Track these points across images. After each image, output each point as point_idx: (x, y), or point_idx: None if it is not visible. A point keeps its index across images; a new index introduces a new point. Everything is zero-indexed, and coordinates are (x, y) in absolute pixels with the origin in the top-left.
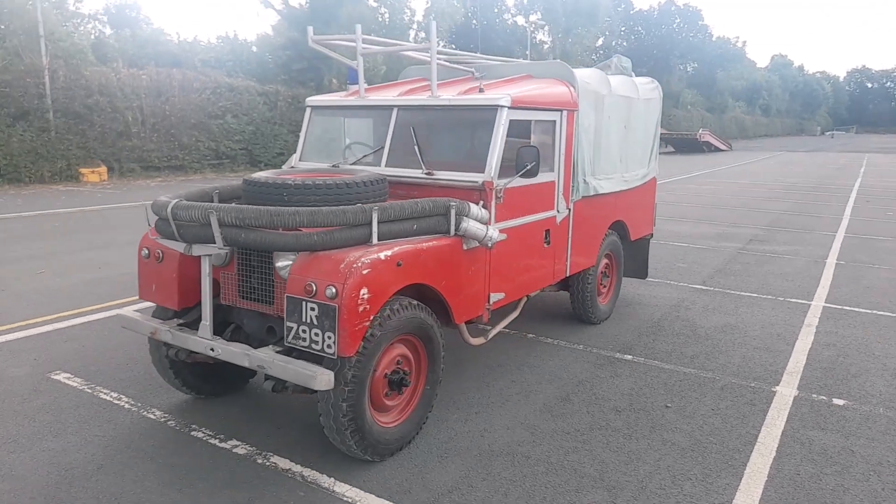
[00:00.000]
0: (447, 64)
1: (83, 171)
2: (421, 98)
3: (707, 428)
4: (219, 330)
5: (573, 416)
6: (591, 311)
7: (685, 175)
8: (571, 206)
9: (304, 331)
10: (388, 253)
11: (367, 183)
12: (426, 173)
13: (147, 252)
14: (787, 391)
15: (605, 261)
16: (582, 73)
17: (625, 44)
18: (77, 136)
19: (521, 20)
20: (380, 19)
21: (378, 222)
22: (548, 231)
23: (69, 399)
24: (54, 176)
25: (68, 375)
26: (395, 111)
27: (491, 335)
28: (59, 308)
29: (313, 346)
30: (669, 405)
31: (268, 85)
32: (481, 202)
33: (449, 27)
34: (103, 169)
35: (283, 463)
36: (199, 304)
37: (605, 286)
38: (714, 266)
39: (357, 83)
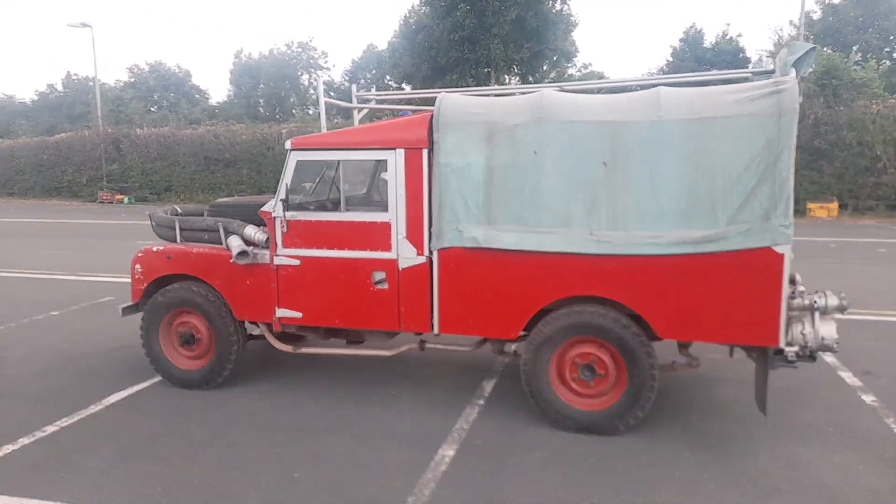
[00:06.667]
0: (341, 103)
1: (812, 206)
2: None
3: None
4: None
5: (236, 435)
6: (540, 405)
7: None
8: (433, 254)
9: None
10: (161, 248)
11: (253, 205)
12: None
13: None
14: None
15: (581, 349)
16: (460, 102)
17: None
18: (814, 172)
19: None
20: None
21: (180, 229)
22: (384, 272)
23: None
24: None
25: None
26: None
27: (303, 350)
28: None
29: None
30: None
31: None
32: (261, 227)
33: None
34: (834, 205)
35: None
36: None
37: (587, 384)
38: None
39: None
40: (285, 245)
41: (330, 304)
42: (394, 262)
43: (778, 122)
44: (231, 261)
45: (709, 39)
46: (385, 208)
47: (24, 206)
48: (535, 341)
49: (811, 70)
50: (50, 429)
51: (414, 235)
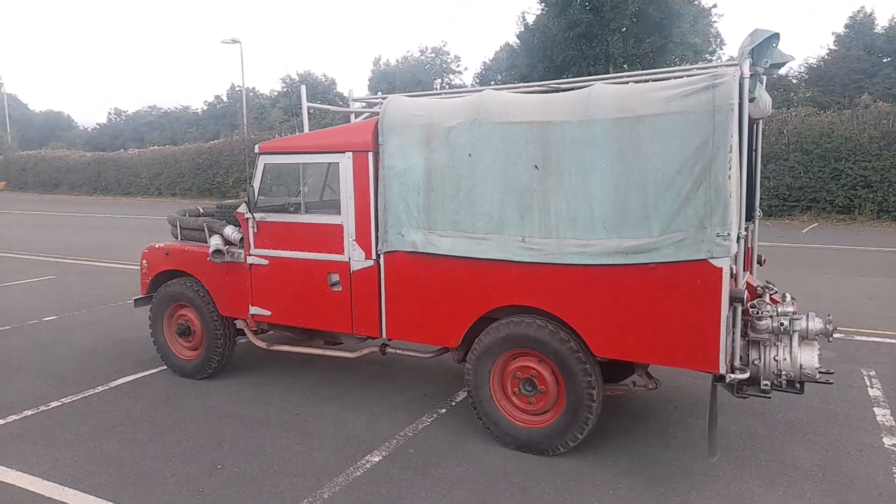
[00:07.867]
0: (323, 107)
1: None
2: None
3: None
4: None
5: (188, 425)
6: (482, 418)
7: None
8: (380, 258)
9: None
10: (162, 245)
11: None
12: None
13: None
14: None
15: (521, 362)
16: (405, 105)
17: None
18: None
19: None
20: None
21: (180, 228)
22: (338, 275)
23: None
24: None
25: None
26: None
27: (276, 347)
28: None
29: None
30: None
31: None
32: (239, 227)
33: None
34: None
35: None
36: None
37: (528, 400)
38: None
39: None
40: (256, 245)
41: (294, 304)
42: (346, 265)
43: (712, 121)
44: (208, 258)
45: (881, 24)
46: (339, 211)
47: (178, 204)
48: (475, 351)
49: (785, 62)
50: (54, 404)
51: (363, 238)
